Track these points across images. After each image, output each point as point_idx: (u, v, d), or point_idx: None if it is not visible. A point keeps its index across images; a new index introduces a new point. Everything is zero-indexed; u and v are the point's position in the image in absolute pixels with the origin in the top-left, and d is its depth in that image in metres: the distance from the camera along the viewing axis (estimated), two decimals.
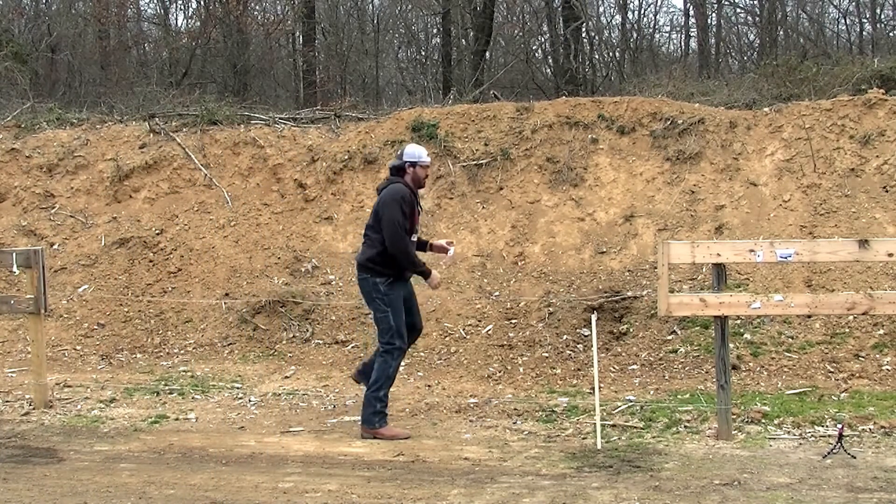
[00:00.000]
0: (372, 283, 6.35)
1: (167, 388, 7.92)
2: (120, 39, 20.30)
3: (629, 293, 8.65)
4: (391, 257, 6.31)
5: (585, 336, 8.41)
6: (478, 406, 7.13)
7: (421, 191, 6.62)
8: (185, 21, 23.07)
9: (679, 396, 7.18)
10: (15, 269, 7.50)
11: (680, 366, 7.89)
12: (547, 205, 9.75)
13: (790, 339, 7.94)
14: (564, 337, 8.42)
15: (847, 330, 7.91)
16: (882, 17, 20.24)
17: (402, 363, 6.82)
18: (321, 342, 8.98)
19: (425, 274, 6.44)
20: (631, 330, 8.42)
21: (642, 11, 23.45)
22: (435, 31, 22.01)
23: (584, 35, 18.89)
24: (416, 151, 6.46)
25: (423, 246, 6.73)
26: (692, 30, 21.49)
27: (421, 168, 6.44)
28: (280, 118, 11.64)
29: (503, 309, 8.87)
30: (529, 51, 20.52)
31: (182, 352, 9.11)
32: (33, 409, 7.37)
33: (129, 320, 9.56)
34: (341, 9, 22.66)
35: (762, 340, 7.96)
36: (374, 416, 6.34)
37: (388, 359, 6.35)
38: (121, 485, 5.40)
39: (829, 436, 5.97)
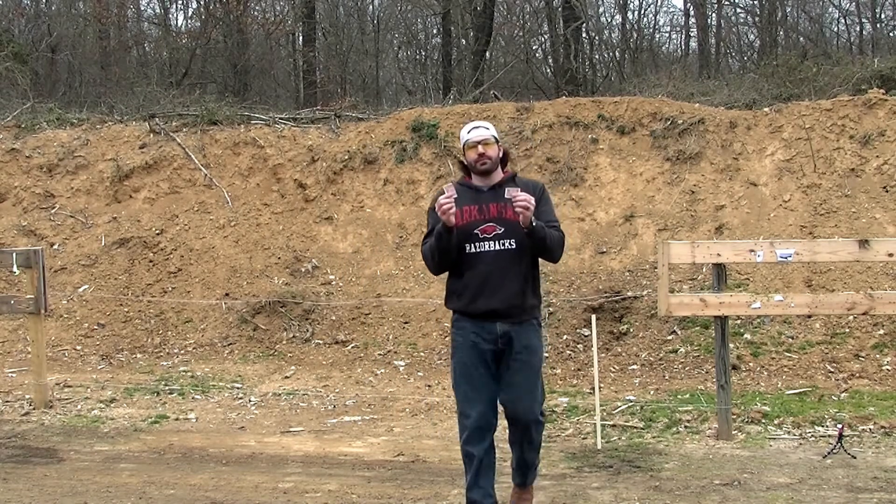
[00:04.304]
0: None
1: (167, 388, 7.92)
2: (120, 39, 20.32)
3: (629, 293, 8.65)
4: (451, 281, 4.49)
5: (585, 336, 8.41)
6: None
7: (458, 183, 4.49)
8: (185, 21, 23.13)
9: (679, 396, 7.18)
10: (15, 269, 7.49)
11: (680, 366, 7.89)
12: None
13: (790, 339, 7.94)
14: (564, 337, 8.41)
15: (847, 330, 7.91)
16: (882, 17, 20.28)
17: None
18: (321, 342, 8.98)
19: (441, 229, 4.25)
20: (631, 330, 8.42)
21: (642, 11, 23.54)
22: (435, 31, 22.04)
23: (584, 35, 18.90)
24: (462, 131, 4.65)
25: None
26: (692, 30, 21.55)
27: (468, 149, 4.50)
28: (280, 118, 11.64)
29: None
30: (529, 51, 20.54)
31: (182, 352, 9.11)
32: (33, 409, 7.36)
33: (129, 320, 9.56)
34: (341, 9, 22.69)
35: (762, 340, 7.96)
36: None
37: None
38: (121, 485, 5.39)
39: (829, 436, 5.97)
